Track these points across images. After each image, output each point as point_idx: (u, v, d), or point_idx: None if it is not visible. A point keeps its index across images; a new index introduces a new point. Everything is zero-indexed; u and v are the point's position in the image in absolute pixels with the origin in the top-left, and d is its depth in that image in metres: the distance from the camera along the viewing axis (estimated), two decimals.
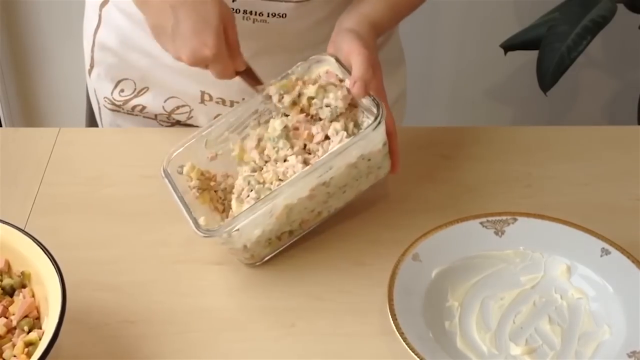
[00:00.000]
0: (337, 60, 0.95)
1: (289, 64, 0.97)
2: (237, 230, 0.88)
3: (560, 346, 0.85)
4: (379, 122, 0.89)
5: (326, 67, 0.96)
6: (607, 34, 1.70)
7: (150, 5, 0.94)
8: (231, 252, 0.93)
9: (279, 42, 1.08)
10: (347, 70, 0.94)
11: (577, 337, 0.86)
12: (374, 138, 0.91)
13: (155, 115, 1.19)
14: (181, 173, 0.95)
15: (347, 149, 0.89)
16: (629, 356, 0.82)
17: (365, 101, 0.92)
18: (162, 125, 1.20)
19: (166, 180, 0.93)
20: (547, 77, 1.64)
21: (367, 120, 0.93)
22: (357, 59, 0.92)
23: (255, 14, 1.04)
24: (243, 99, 1.13)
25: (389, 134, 0.93)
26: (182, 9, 0.90)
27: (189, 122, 1.19)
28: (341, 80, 0.95)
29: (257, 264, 0.94)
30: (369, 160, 0.93)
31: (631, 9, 1.74)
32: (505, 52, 1.78)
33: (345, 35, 0.96)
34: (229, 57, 0.93)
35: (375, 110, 0.90)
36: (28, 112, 2.23)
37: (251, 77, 0.97)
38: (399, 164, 0.96)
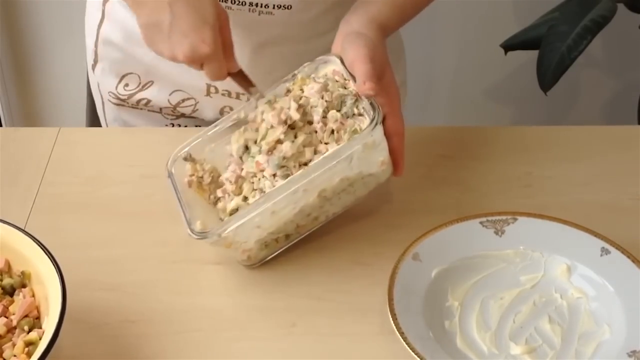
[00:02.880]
0: (342, 61, 0.94)
1: (295, 54, 0.96)
2: (228, 233, 0.88)
3: (560, 346, 0.85)
4: (376, 124, 0.87)
5: (332, 67, 0.96)
6: (607, 34, 1.70)
7: (145, 3, 0.93)
8: (230, 253, 0.93)
9: (284, 33, 1.08)
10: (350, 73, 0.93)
11: (577, 336, 0.86)
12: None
13: (160, 109, 1.20)
14: (187, 160, 0.95)
15: (343, 152, 0.88)
16: (629, 356, 0.82)
17: (366, 105, 0.90)
18: (166, 118, 1.21)
19: (169, 181, 0.94)
20: (547, 77, 1.64)
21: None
22: (360, 70, 0.90)
23: (261, 6, 1.05)
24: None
25: (397, 134, 0.91)
26: (179, 5, 0.90)
27: (194, 114, 1.19)
28: (346, 80, 0.94)
29: (255, 265, 0.94)
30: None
31: (631, 9, 1.74)
32: (505, 52, 1.78)
33: (354, 40, 0.93)
34: (223, 57, 0.93)
35: (371, 113, 0.88)
36: (28, 112, 2.23)
37: (243, 79, 0.96)
38: (403, 165, 0.94)
